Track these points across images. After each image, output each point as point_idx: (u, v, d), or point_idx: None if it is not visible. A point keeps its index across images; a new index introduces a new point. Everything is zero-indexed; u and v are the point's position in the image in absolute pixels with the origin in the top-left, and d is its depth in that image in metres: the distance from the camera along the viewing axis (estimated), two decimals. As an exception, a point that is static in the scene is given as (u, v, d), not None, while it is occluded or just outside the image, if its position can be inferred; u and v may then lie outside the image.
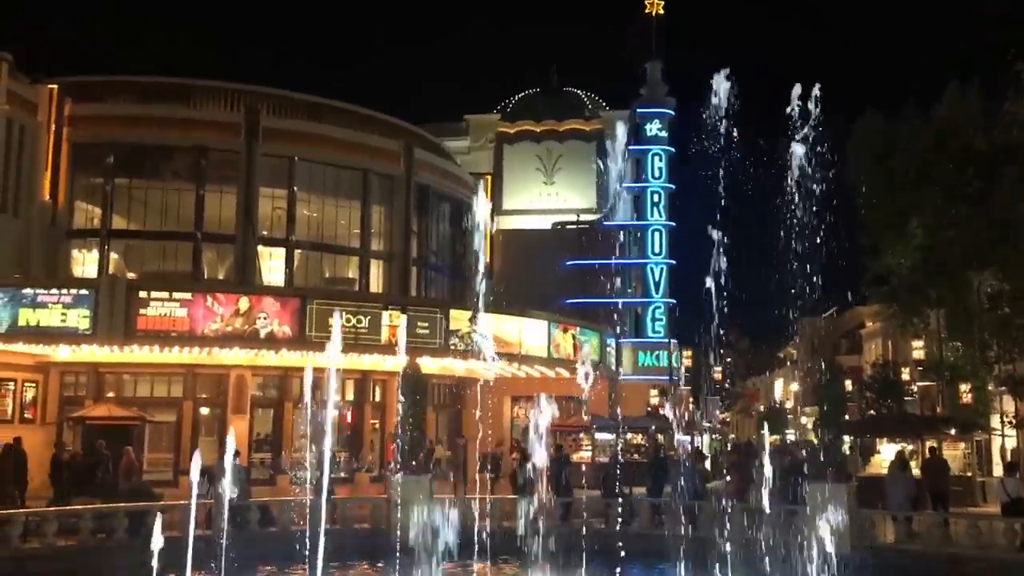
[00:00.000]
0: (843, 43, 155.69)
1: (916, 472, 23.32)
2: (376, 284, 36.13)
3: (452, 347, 29.19)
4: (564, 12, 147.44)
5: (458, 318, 29.55)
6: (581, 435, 36.27)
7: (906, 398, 43.59)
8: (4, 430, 26.60)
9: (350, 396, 32.43)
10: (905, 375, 46.96)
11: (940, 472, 22.83)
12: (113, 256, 32.32)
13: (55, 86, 31.34)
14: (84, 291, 26.02)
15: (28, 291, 25.67)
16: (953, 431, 29.25)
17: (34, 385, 28.99)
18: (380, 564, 17.33)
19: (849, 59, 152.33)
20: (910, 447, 29.30)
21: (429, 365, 29.11)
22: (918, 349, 45.51)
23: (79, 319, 25.58)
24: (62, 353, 27.95)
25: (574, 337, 34.63)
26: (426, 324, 28.80)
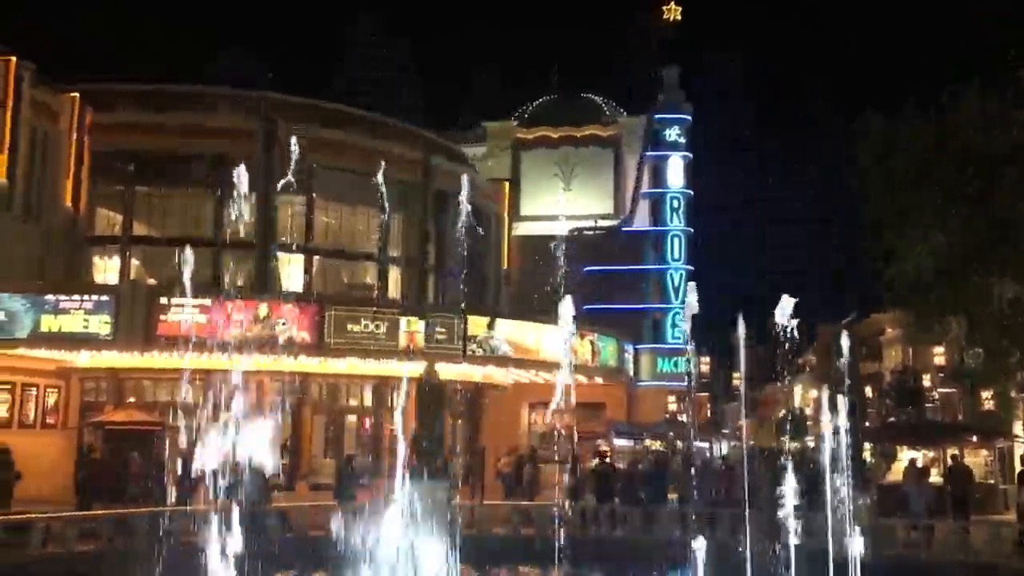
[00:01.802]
0: (843, 43, 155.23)
1: (938, 479, 23.17)
2: (394, 290, 36.22)
3: (470, 353, 29.22)
4: (562, 13, 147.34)
5: (476, 324, 29.58)
6: (599, 441, 36.16)
7: (927, 405, 43.27)
8: (26, 435, 26.89)
9: (368, 403, 32.56)
10: (926, 381, 46.61)
11: (963, 479, 22.66)
12: (134, 262, 32.57)
13: (76, 94, 31.64)
14: (105, 297, 26.23)
15: (50, 297, 25.90)
16: (975, 438, 29.05)
17: (56, 390, 29.26)
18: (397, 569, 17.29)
19: (849, 59, 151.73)
20: (931, 454, 29.11)
21: (447, 371, 29.16)
22: (939, 355, 45.17)
23: (100, 325, 25.79)
24: (83, 359, 28.19)
25: (592, 343, 34.59)
26: (444, 330, 28.84)
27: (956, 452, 26.23)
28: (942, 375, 44.31)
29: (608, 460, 26.78)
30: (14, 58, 28.26)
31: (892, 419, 41.58)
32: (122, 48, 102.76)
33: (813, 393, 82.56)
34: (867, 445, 33.39)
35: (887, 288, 24.91)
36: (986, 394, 36.39)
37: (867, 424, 42.45)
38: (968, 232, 21.94)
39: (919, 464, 25.68)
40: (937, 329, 30.11)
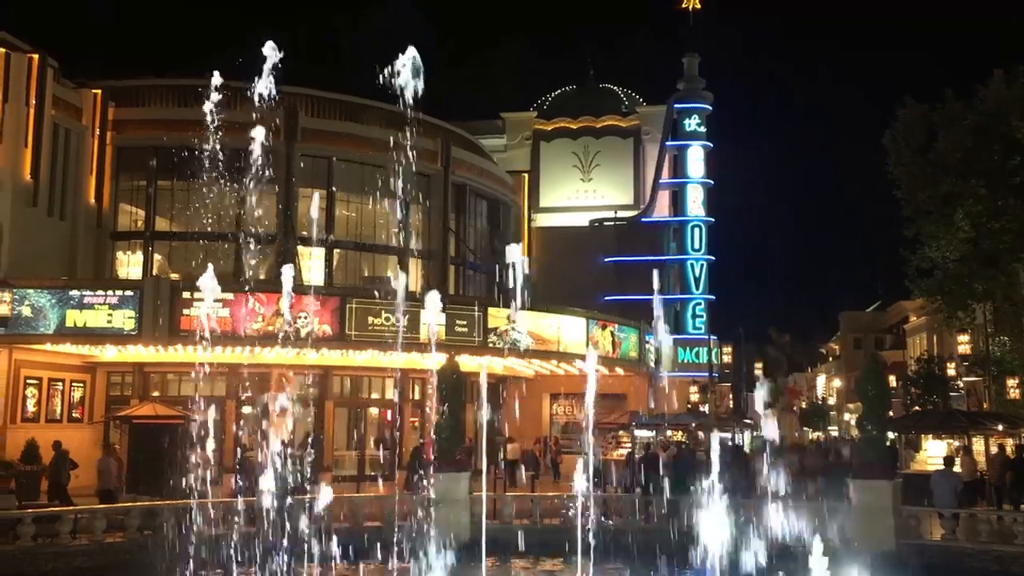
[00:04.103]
0: (844, 42, 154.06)
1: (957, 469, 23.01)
2: (415, 283, 36.31)
3: (491, 344, 29.25)
4: (570, 14, 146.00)
5: (496, 316, 29.60)
6: (620, 432, 36.14)
7: (951, 393, 42.88)
8: (53, 429, 27.18)
9: (389, 394, 32.69)
10: (951, 370, 46.18)
11: (1003, 468, 22.58)
12: (157, 257, 32.81)
13: (99, 91, 31.84)
14: (129, 292, 26.45)
15: (75, 292, 26.14)
16: (1001, 427, 28.75)
17: (81, 385, 29.57)
18: (421, 559, 17.37)
19: (850, 59, 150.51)
20: (956, 443, 28.86)
21: (468, 363, 29.20)
22: (964, 344, 44.72)
23: (124, 320, 26.01)
24: (108, 353, 28.46)
25: (612, 334, 34.55)
26: (464, 322, 28.88)
27: (1002, 442, 26.08)
28: (967, 363, 43.89)
29: (651, 449, 27.00)
30: (37, 56, 28.47)
31: (917, 408, 41.24)
32: (123, 48, 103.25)
33: (837, 383, 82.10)
34: (891, 435, 33.16)
35: (927, 276, 24.72)
36: (1012, 382, 36.04)
37: (891, 413, 42.12)
38: (1014, 221, 21.75)
39: (945, 453, 25.54)
40: (963, 316, 29.90)
